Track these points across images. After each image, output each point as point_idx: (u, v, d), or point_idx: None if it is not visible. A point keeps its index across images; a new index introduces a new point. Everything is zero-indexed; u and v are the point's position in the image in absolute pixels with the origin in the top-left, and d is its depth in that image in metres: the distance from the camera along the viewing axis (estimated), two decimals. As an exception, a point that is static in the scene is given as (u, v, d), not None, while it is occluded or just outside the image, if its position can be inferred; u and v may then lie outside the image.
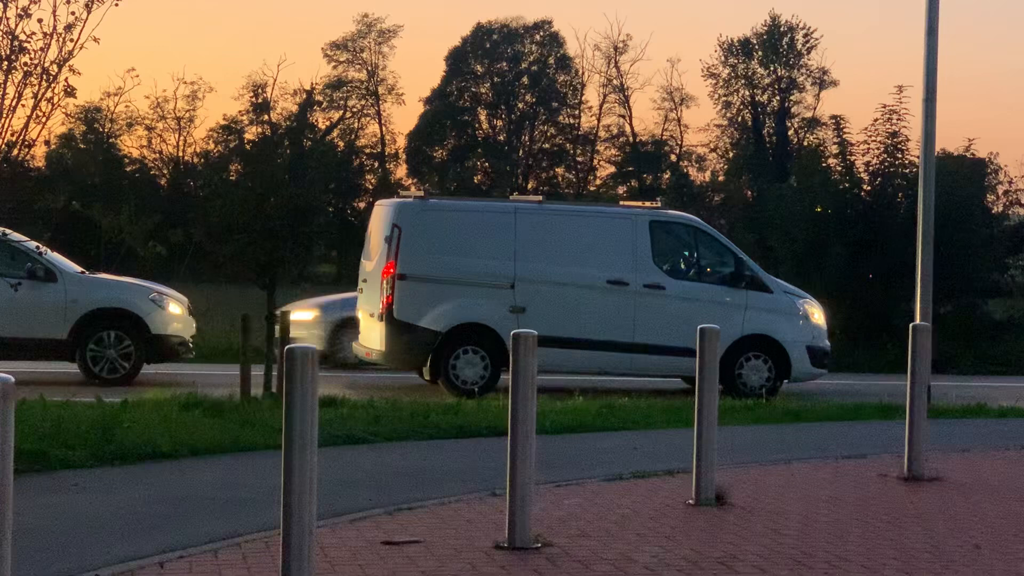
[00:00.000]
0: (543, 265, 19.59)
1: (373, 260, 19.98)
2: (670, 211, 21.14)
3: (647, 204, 21.46)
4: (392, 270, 19.26)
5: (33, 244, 18.46)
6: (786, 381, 19.92)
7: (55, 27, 13.33)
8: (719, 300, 19.74)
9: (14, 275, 18.81)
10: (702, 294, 19.87)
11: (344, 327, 22.17)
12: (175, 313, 20.25)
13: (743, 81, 76.45)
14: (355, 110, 77.97)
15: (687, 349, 18.94)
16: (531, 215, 19.95)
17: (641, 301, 19.65)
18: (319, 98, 75.77)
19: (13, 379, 5.66)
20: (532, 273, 19.58)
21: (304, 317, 22.54)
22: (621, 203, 21.98)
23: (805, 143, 70.19)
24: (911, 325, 12.02)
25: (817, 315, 20.50)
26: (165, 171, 72.45)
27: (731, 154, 77.08)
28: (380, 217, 20.24)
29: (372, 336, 19.57)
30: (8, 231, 18.09)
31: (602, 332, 19.58)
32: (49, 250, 19.32)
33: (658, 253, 20.01)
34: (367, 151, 78.44)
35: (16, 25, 13.24)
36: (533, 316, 18.80)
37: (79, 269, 20.39)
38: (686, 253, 20.57)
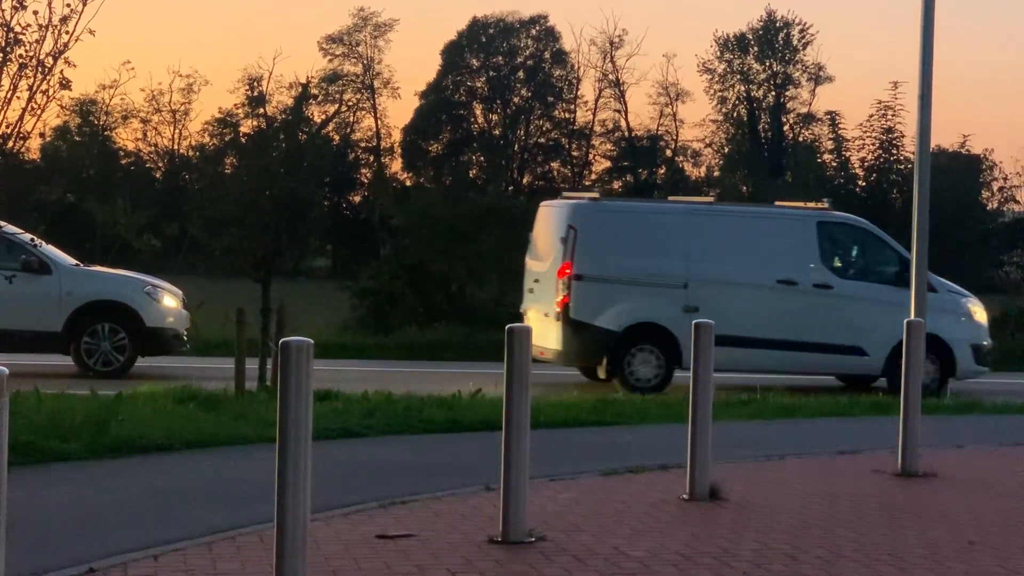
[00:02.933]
0: (715, 265, 19.97)
1: (546, 261, 20.39)
2: (837, 212, 21.43)
3: (815, 205, 21.76)
4: (568, 271, 19.67)
5: (28, 236, 18.44)
6: (952, 379, 20.26)
7: (50, 19, 13.33)
8: (885, 299, 19.98)
9: (9, 267, 18.74)
10: (868, 293, 20.22)
11: None
12: (170, 306, 20.23)
13: (739, 76, 76.47)
14: (350, 104, 77.98)
15: (853, 347, 19.35)
16: (703, 216, 20.45)
17: (810, 300, 20.04)
18: (315, 92, 75.74)
19: (7, 371, 5.66)
20: (705, 273, 19.94)
21: None
22: (780, 203, 22.43)
23: (800, 139, 70.23)
24: (905, 321, 12.03)
25: (979, 313, 20.99)
26: (160, 164, 72.44)
27: (726, 149, 77.08)
28: (550, 218, 20.69)
29: (547, 335, 19.77)
30: (2, 223, 18.06)
31: (772, 331, 19.94)
32: (44, 242, 19.29)
33: (826, 253, 20.42)
34: (362, 145, 78.44)
35: (11, 17, 13.25)
36: (705, 315, 19.09)
37: (73, 261, 20.37)
38: (853, 253, 20.98)
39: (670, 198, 24.72)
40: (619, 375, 19.32)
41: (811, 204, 21.84)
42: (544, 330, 19.68)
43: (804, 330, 19.90)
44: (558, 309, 19.66)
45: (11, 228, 18.42)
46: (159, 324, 19.93)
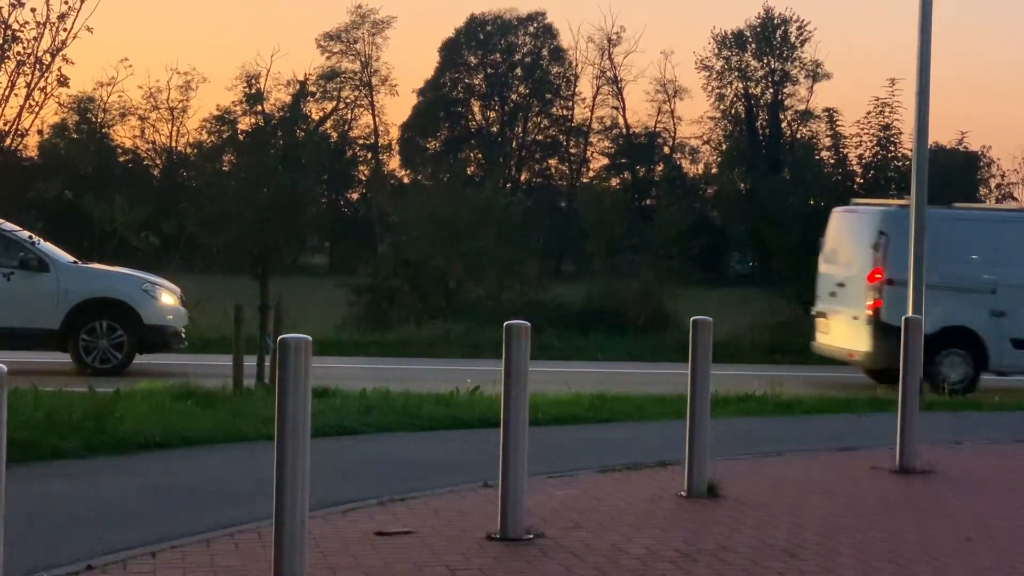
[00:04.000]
0: (1023, 271, 20.64)
1: (850, 266, 21.20)
2: None
3: None
4: (880, 275, 20.31)
5: (25, 234, 18.44)
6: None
7: (48, 16, 13.34)
8: None
9: (7, 265, 18.74)
10: None
11: None
12: (168, 303, 20.23)
13: (736, 73, 76.48)
14: (348, 101, 78.03)
15: None
16: (1011, 223, 21.23)
17: None
18: (312, 89, 75.76)
19: (5, 368, 5.65)
20: (1013, 278, 20.56)
21: None
22: None
23: (798, 136, 70.25)
24: (903, 318, 12.04)
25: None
26: (158, 161, 72.42)
27: (724, 146, 77.09)
28: (853, 224, 21.51)
29: (855, 339, 20.63)
30: (0, 221, 18.05)
31: None
32: (41, 240, 19.29)
33: None
34: (360, 142, 78.46)
35: (9, 14, 13.26)
36: (1013, 320, 19.65)
37: (71, 259, 20.35)
38: None
39: (962, 205, 25.15)
40: (928, 377, 19.52)
41: None
42: (851, 333, 20.69)
43: None
44: (869, 313, 20.38)
45: (9, 225, 18.44)
46: (157, 321, 19.92)
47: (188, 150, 69.29)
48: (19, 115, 13.38)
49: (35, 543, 8.16)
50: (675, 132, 78.54)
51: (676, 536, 8.77)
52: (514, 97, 79.34)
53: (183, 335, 20.40)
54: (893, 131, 31.39)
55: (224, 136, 63.94)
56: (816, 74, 76.30)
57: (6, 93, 13.27)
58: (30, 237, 18.24)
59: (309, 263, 60.70)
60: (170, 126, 71.90)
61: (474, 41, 78.89)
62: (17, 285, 18.63)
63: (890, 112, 31.14)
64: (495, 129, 79.60)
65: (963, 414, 17.15)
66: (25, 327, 19.47)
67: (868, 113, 31.45)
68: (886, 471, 11.70)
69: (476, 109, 79.71)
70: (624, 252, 33.85)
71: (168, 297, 20.23)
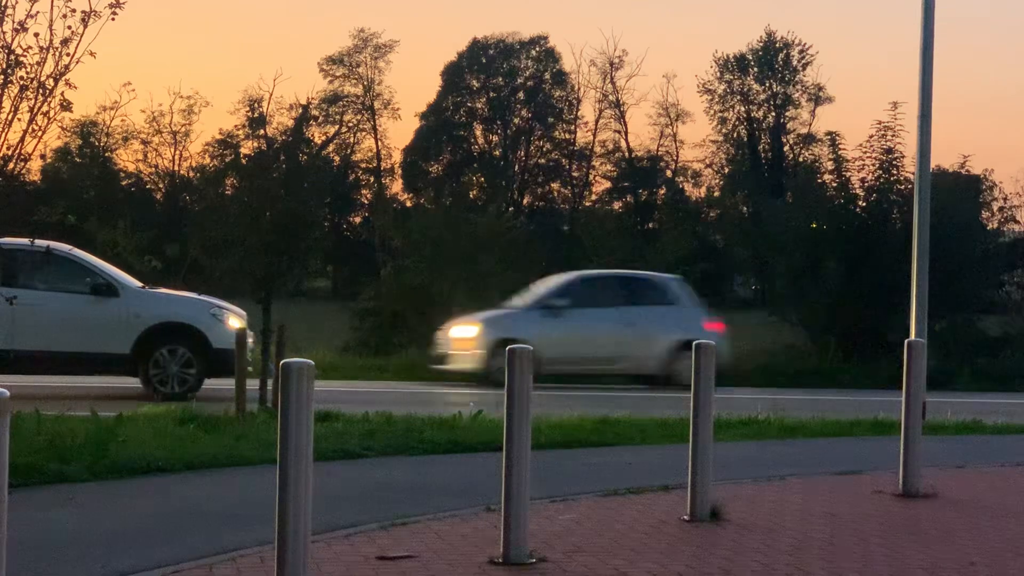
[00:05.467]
0: None
1: None
2: None
3: None
4: None
5: (94, 259, 18.61)
6: None
7: (51, 41, 13.34)
8: None
9: (77, 290, 19.23)
10: None
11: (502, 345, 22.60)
12: (235, 327, 20.38)
13: (739, 97, 76.66)
14: (351, 124, 78.21)
15: None
16: None
17: None
18: (315, 113, 75.93)
19: (8, 393, 5.66)
20: None
21: (464, 334, 22.91)
22: None
23: (800, 159, 70.34)
24: (906, 341, 12.03)
25: None
26: (161, 185, 72.58)
27: (726, 170, 77.21)
28: None
29: None
30: (72, 248, 18.17)
31: None
32: (109, 264, 19.42)
33: None
34: (363, 165, 78.62)
35: (12, 39, 13.25)
36: None
37: (139, 283, 20.58)
38: None
39: None
40: None
41: None
42: None
43: None
44: None
45: (79, 252, 18.56)
46: (225, 345, 19.97)
47: (191, 174, 69.46)
48: (22, 139, 13.38)
49: (37, 568, 8.15)
50: (677, 155, 78.73)
51: (679, 560, 8.76)
52: (516, 121, 79.50)
53: (249, 359, 20.53)
54: (895, 154, 31.42)
55: (227, 160, 64.17)
56: (818, 97, 76.51)
57: (9, 117, 13.28)
58: (32, 242, 18.24)
59: (312, 287, 60.78)
60: (173, 150, 72.13)
61: (476, 65, 79.07)
62: (88, 310, 19.07)
63: (892, 135, 31.19)
64: (497, 153, 79.73)
65: (966, 437, 17.13)
66: (97, 352, 19.55)
67: (870, 136, 31.51)
68: (889, 495, 11.68)
69: (478, 133, 79.86)
70: (627, 276, 33.77)
71: (235, 321, 20.37)
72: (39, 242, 17.04)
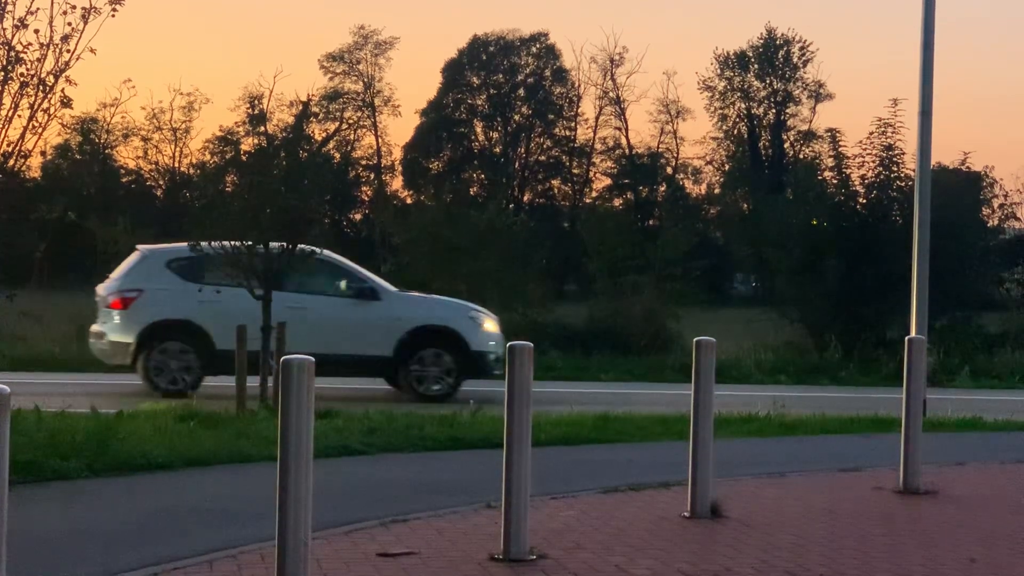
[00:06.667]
0: None
1: None
2: None
3: None
4: None
5: (353, 263, 19.80)
6: None
7: (52, 38, 13.36)
8: None
9: (342, 294, 20.02)
10: None
11: None
12: (490, 330, 20.72)
13: (739, 94, 76.65)
14: (351, 121, 78.13)
15: None
16: None
17: None
18: (315, 110, 75.82)
19: (8, 389, 5.65)
20: None
21: None
22: None
23: (801, 156, 70.34)
24: (906, 338, 12.03)
25: None
26: (161, 182, 72.56)
27: (727, 167, 77.20)
28: None
29: None
30: (319, 250, 18.65)
31: None
32: (364, 269, 20.60)
33: None
34: (363, 163, 78.58)
35: (13, 36, 13.27)
36: None
37: (395, 288, 21.09)
38: None
39: None
40: None
41: None
42: None
43: None
44: None
45: (332, 254, 20.00)
46: (482, 348, 20.46)
47: (191, 171, 69.37)
48: (22, 136, 13.39)
49: (38, 565, 8.15)
50: (678, 152, 78.72)
51: (679, 557, 8.76)
52: (517, 118, 79.46)
53: (501, 361, 20.80)
54: (896, 151, 31.41)
55: (227, 157, 64.14)
56: (818, 94, 76.50)
57: (9, 114, 13.29)
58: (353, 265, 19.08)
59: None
60: (173, 147, 72.08)
61: (477, 62, 79.03)
62: (352, 314, 19.81)
63: (893, 132, 31.18)
64: (498, 150, 79.70)
65: (966, 434, 17.13)
66: (361, 354, 20.07)
67: (871, 133, 31.50)
68: (889, 491, 11.68)
69: (479, 130, 79.83)
70: (627, 273, 33.81)
71: (490, 324, 20.69)
72: (302, 246, 17.46)
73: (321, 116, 76.73)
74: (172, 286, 20.01)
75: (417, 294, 21.85)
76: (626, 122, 78.48)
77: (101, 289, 20.58)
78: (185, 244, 18.56)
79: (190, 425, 14.13)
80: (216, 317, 19.43)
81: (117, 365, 20.45)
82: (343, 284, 20.33)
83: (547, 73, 79.43)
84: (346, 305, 20.15)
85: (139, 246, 21.36)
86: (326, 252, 20.15)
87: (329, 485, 10.61)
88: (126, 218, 44.19)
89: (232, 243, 17.08)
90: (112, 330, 20.08)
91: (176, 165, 72.33)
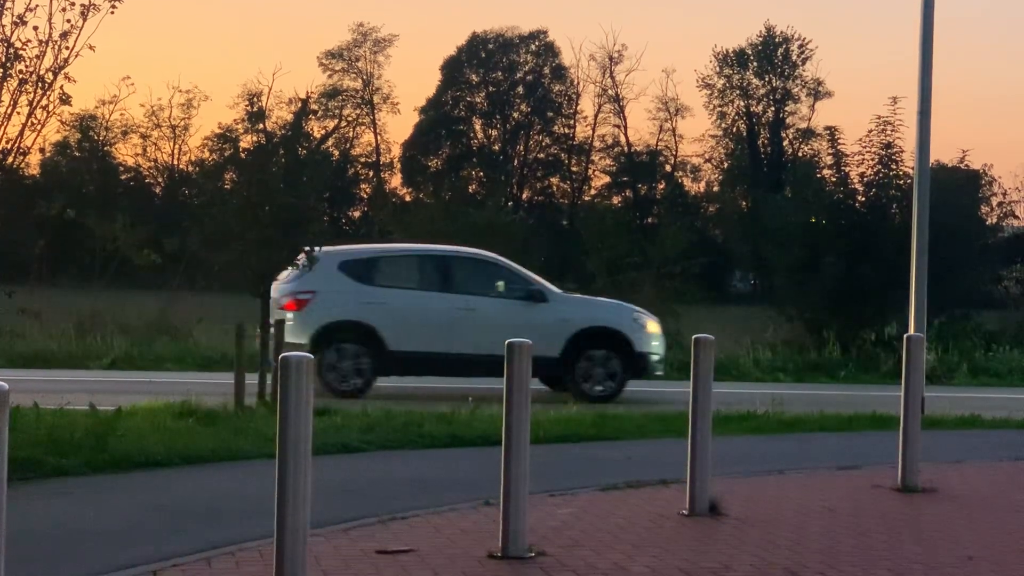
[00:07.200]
0: None
1: None
2: None
3: None
4: None
5: (518, 266, 20.42)
6: None
7: (51, 35, 13.36)
8: None
9: (513, 296, 20.32)
10: None
11: None
12: (653, 331, 20.92)
13: (738, 92, 76.61)
14: (350, 119, 78.10)
15: None
16: None
17: None
18: (314, 107, 75.77)
19: (7, 386, 5.65)
20: None
21: None
22: None
23: (800, 154, 70.35)
24: (905, 336, 12.03)
25: None
26: (160, 179, 72.53)
27: (725, 164, 77.18)
28: None
29: None
30: (499, 256, 19.29)
31: None
32: (530, 272, 21.07)
33: None
34: (362, 160, 78.54)
35: (11, 32, 13.27)
36: None
37: (558, 290, 21.35)
38: None
39: None
40: None
41: None
42: None
43: None
44: None
45: (505, 259, 20.79)
46: (646, 349, 20.72)
47: (190, 168, 69.36)
48: (21, 133, 13.39)
49: (36, 562, 8.15)
50: (677, 150, 78.67)
51: (678, 555, 8.76)
52: (515, 115, 79.43)
53: (663, 362, 21.32)
54: (895, 149, 31.40)
55: (226, 154, 64.10)
56: (817, 92, 76.46)
57: (8, 111, 13.28)
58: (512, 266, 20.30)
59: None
60: (172, 144, 72.03)
61: (476, 59, 79.00)
62: (524, 315, 20.03)
63: (892, 130, 31.16)
64: (496, 147, 79.67)
65: (965, 432, 17.14)
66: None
67: (870, 131, 31.48)
68: (888, 489, 11.68)
69: (478, 127, 79.79)
70: (625, 270, 33.83)
71: (652, 326, 20.90)
72: (462, 249, 18.07)
73: (320, 113, 76.67)
74: (344, 288, 20.38)
75: (581, 296, 22.41)
76: (625, 120, 78.50)
77: (272, 291, 20.96)
78: (357, 246, 19.38)
79: (188, 422, 14.13)
80: (387, 318, 19.99)
81: None
82: (512, 286, 20.64)
83: (546, 71, 79.39)
84: (515, 307, 20.42)
85: (310, 248, 21.71)
86: (494, 255, 21.23)
87: (328, 483, 10.61)
88: (125, 215, 44.21)
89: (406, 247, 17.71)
90: (286, 332, 20.26)
91: (175, 162, 72.31)
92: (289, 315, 20.00)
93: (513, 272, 20.90)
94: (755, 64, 76.61)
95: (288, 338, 19.96)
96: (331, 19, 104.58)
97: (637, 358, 20.52)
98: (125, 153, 71.10)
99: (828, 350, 29.66)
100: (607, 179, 79.16)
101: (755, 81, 76.68)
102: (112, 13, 13.61)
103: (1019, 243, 37.49)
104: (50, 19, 13.35)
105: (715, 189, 76.91)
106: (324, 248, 21.16)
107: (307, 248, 17.36)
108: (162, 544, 8.80)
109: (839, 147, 32.54)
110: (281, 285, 20.64)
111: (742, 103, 76.54)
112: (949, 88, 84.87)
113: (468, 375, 19.94)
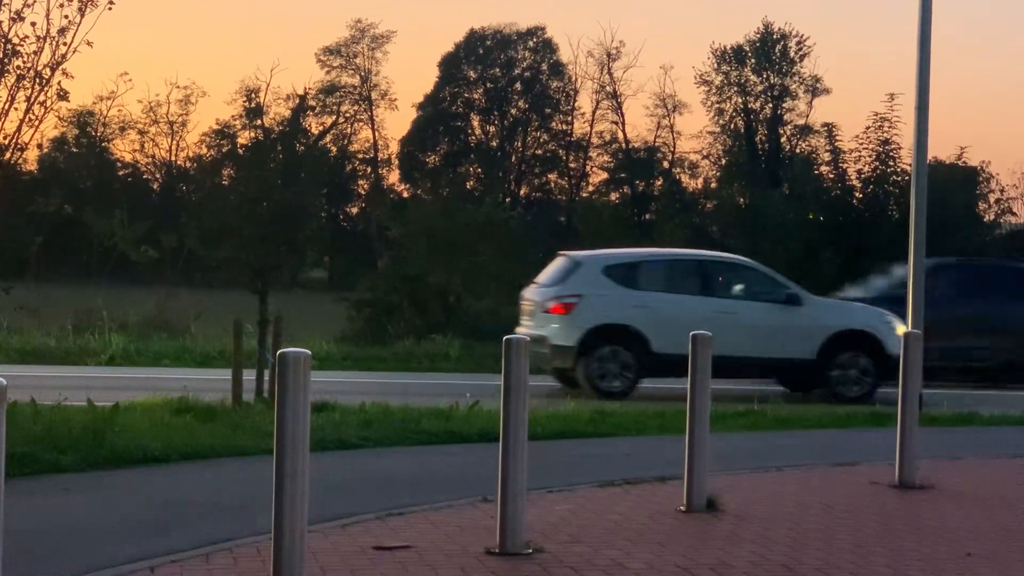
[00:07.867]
0: None
1: None
2: None
3: None
4: None
5: (771, 270, 21.08)
6: None
7: (48, 31, 13.35)
8: None
9: (773, 299, 20.73)
10: None
11: None
12: (901, 334, 20.86)
13: (736, 88, 76.50)
14: (348, 115, 78.03)
15: None
16: None
17: None
18: (312, 103, 75.78)
19: (5, 382, 5.65)
20: None
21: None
22: None
23: (797, 150, 70.32)
24: (903, 332, 12.02)
25: None
26: (158, 175, 72.49)
27: (723, 161, 77.10)
28: None
29: None
30: (746, 260, 21.16)
31: None
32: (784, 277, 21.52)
33: None
34: (360, 156, 78.47)
35: (9, 28, 13.27)
36: None
37: (812, 295, 21.66)
38: None
39: None
40: None
41: None
42: None
43: None
44: None
45: (760, 265, 21.33)
46: (897, 351, 20.42)
47: (188, 164, 69.40)
48: (19, 129, 13.39)
49: (33, 558, 8.15)
50: (674, 147, 78.57)
51: (675, 551, 8.76)
52: (513, 112, 79.35)
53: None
54: (892, 146, 31.42)
55: (224, 150, 64.14)
56: (815, 89, 76.33)
57: (6, 107, 13.28)
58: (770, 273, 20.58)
59: (308, 277, 60.73)
60: (170, 140, 72.01)
61: (474, 56, 78.91)
62: (778, 319, 20.53)
63: (889, 127, 31.18)
64: (494, 144, 79.61)
65: (962, 429, 17.14)
66: (786, 358, 20.76)
67: (867, 128, 31.51)
68: (885, 486, 11.69)
69: (475, 124, 79.71)
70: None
71: (903, 329, 20.89)
72: (721, 253, 17.97)
73: (318, 110, 76.64)
74: (610, 292, 20.65)
75: (833, 300, 22.75)
76: (623, 116, 78.36)
77: (529, 294, 21.41)
78: (620, 251, 20.31)
79: (186, 418, 14.12)
80: (651, 321, 20.28)
81: (555, 368, 20.94)
82: (769, 290, 20.99)
83: (544, 67, 79.30)
84: (773, 310, 20.72)
85: (566, 252, 22.43)
86: (751, 261, 21.96)
87: (325, 478, 10.61)
88: (122, 211, 44.23)
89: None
90: (554, 334, 20.52)
91: (173, 158, 72.29)
92: (556, 318, 20.42)
93: (770, 277, 21.31)
94: (753, 61, 76.48)
95: (555, 341, 20.44)
96: (329, 15, 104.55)
97: (888, 360, 20.37)
98: (123, 149, 71.14)
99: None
100: (605, 175, 79.09)
101: (753, 78, 76.56)
102: (110, 9, 13.61)
103: (1017, 240, 37.47)
104: (48, 15, 13.36)
105: (713, 186, 76.74)
106: (585, 252, 21.74)
107: (564, 252, 18.01)
108: (160, 540, 8.80)
109: (837, 144, 32.59)
110: (542, 289, 21.16)
111: (740, 100, 76.42)
112: (947, 85, 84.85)
113: (728, 377, 19.72)
